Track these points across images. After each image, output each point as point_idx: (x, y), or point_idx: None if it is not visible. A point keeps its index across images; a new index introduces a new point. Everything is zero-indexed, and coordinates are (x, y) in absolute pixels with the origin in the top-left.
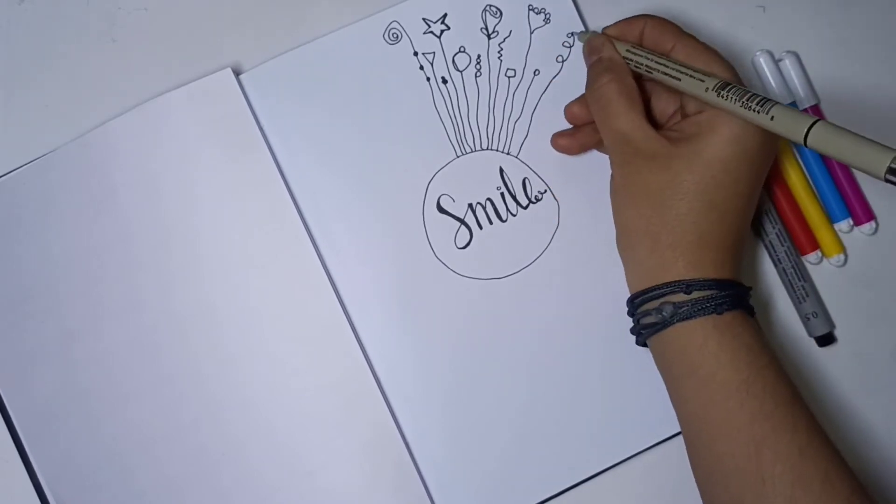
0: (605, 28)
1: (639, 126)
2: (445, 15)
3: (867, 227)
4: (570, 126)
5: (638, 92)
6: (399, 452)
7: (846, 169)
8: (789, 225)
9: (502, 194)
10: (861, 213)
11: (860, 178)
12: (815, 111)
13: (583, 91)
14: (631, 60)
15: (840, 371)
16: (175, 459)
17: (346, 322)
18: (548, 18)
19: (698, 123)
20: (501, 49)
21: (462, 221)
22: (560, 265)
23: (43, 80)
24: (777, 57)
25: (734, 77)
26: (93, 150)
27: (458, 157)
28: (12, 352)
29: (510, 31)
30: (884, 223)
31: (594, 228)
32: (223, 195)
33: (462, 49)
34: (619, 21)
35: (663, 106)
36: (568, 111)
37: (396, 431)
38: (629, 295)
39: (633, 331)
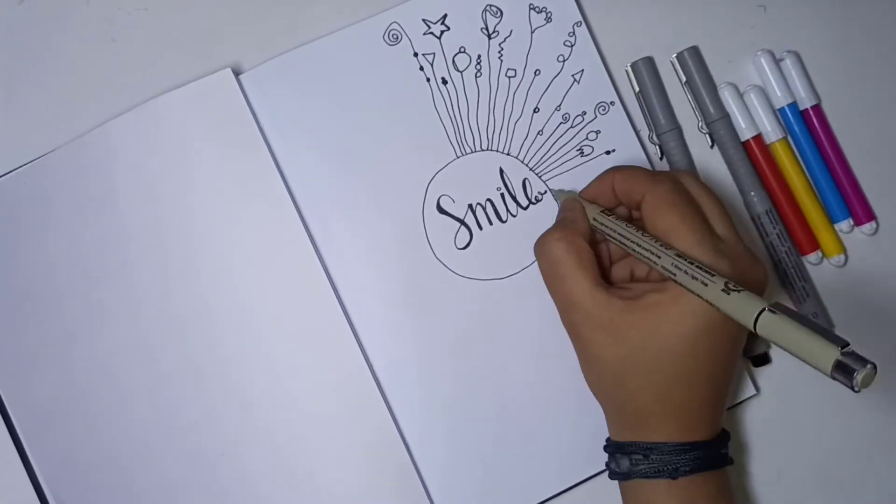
0: (582, 190)
1: (587, 291)
2: (445, 15)
3: (867, 227)
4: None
5: (590, 254)
6: (399, 453)
7: (847, 169)
8: (789, 225)
9: (502, 195)
10: (861, 213)
11: (861, 178)
12: (816, 111)
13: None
14: (597, 226)
15: None
16: (174, 460)
17: (346, 323)
18: (549, 17)
19: (661, 290)
20: (502, 49)
21: (462, 222)
22: None
23: (43, 80)
24: (777, 57)
25: (697, 239)
26: (92, 150)
27: (458, 157)
28: (12, 352)
29: (511, 31)
30: (884, 223)
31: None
32: (223, 195)
33: (462, 49)
34: (592, 181)
35: None
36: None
37: (397, 433)
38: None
39: (605, 464)
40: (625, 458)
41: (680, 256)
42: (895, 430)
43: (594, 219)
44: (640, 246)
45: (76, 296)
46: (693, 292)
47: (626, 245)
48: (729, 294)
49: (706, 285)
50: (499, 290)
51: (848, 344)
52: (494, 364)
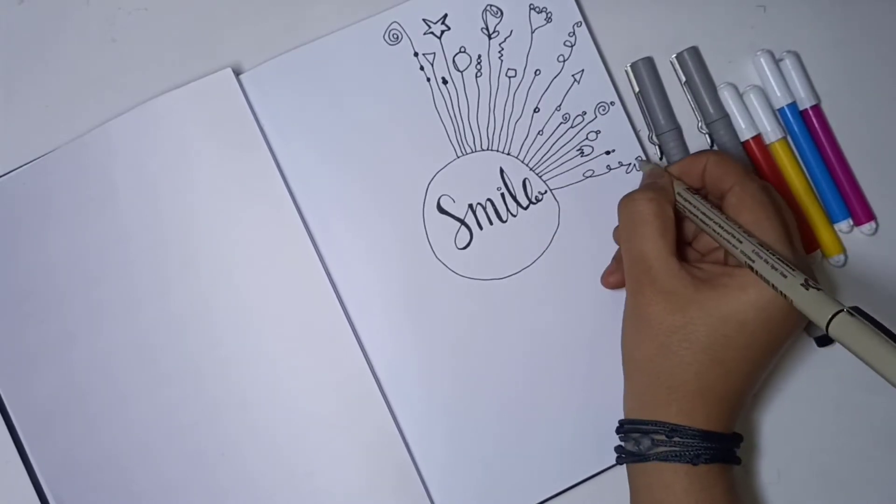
0: (667, 166)
1: (663, 255)
2: (446, 15)
3: (867, 227)
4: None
5: (673, 224)
6: (399, 453)
7: (846, 169)
8: None
9: (502, 195)
10: (861, 213)
11: (861, 178)
12: (815, 111)
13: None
14: (681, 202)
15: (839, 371)
16: (174, 460)
17: (346, 323)
18: (549, 17)
19: (731, 275)
20: (502, 49)
21: (462, 222)
22: (560, 266)
23: (43, 80)
24: (777, 57)
25: (780, 236)
26: (92, 150)
27: (458, 157)
28: (12, 352)
29: (511, 31)
30: (884, 223)
31: (594, 229)
32: (223, 195)
33: (462, 49)
34: (684, 158)
35: (709, 239)
36: (606, 281)
37: (397, 433)
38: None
39: (615, 449)
40: (646, 438)
41: (762, 245)
42: (895, 430)
43: (679, 194)
44: (722, 228)
45: (76, 296)
46: (768, 282)
47: (706, 225)
48: (808, 290)
49: (785, 277)
50: (499, 290)
51: None
52: (494, 364)
